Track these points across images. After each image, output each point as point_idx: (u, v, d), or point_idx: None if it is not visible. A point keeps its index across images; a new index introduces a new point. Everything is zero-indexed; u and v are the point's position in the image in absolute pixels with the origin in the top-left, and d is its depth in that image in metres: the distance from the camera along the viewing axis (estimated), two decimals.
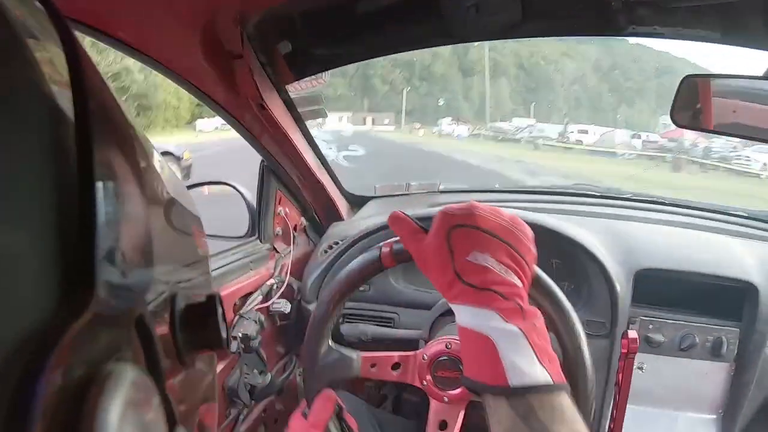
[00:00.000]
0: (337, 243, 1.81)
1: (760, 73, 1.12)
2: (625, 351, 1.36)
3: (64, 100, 0.26)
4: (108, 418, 0.22)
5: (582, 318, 1.13)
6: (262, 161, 1.66)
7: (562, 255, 1.63)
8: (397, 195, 2.23)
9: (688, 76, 1.17)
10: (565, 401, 0.60)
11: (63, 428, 0.21)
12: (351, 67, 2.01)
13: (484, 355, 0.62)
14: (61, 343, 0.21)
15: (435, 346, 1.07)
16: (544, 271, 0.86)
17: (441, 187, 2.21)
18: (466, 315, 0.65)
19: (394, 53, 1.50)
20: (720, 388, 1.62)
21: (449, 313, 1.37)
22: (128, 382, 0.25)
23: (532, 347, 0.61)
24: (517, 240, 0.69)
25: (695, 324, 1.60)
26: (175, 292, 0.43)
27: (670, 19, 1.25)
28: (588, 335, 0.89)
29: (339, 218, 2.00)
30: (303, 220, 1.95)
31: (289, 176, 1.72)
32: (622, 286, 1.56)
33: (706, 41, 1.29)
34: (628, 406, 1.45)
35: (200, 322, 0.45)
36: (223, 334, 0.46)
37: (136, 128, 0.40)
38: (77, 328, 0.23)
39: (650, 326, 1.60)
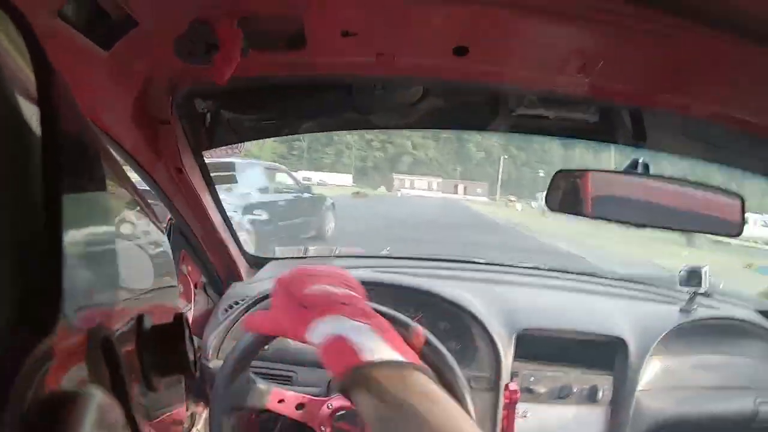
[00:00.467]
0: (237, 303, 1.83)
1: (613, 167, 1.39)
2: (507, 401, 1.61)
3: (32, 115, 0.26)
4: None
5: (468, 374, 1.40)
6: (170, 219, 1.70)
7: (450, 318, 1.81)
8: (295, 258, 2.36)
9: (560, 171, 1.43)
10: (422, 379, 0.61)
11: None
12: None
13: (339, 352, 0.63)
14: (25, 363, 0.21)
15: (342, 400, 1.22)
16: (434, 332, 1.09)
17: (336, 252, 2.40)
18: (316, 332, 0.67)
19: (315, 132, 1.62)
20: (600, 429, 1.82)
21: None
22: (95, 406, 0.25)
23: (381, 337, 0.64)
24: (343, 276, 0.78)
25: (572, 374, 1.81)
26: (142, 314, 0.43)
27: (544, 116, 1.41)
28: (473, 389, 1.12)
29: (239, 278, 2.01)
30: (203, 278, 1.94)
31: (194, 236, 1.74)
32: (504, 345, 1.75)
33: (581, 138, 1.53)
34: None
35: (167, 345, 0.44)
36: (191, 357, 0.46)
37: (106, 150, 0.42)
38: (42, 350, 0.22)
39: (531, 378, 1.78)
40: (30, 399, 0.22)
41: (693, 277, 2.04)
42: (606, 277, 2.40)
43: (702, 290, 2.03)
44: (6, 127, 0.24)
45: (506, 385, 1.66)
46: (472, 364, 1.76)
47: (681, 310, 2.00)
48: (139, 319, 0.42)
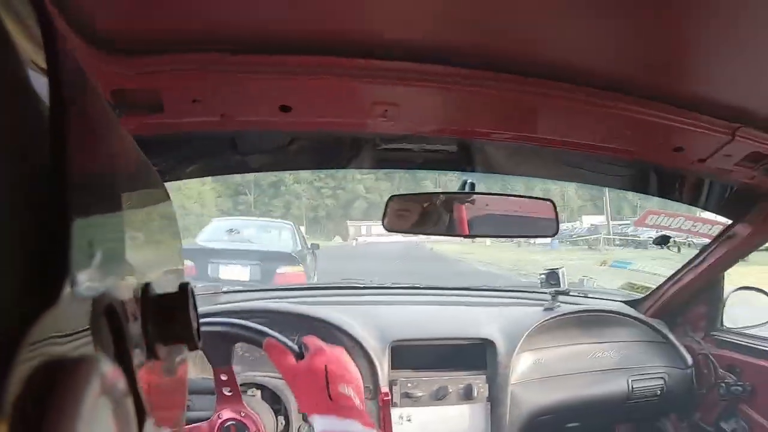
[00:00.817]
0: None
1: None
2: (381, 404, 1.77)
3: (41, 86, 0.26)
4: (77, 408, 0.22)
5: None
6: None
7: (331, 338, 1.90)
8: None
9: (393, 196, 1.64)
10: None
11: (31, 417, 0.21)
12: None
13: None
14: (30, 331, 0.21)
15: (227, 413, 1.36)
16: None
17: (223, 289, 2.49)
18: (329, 423, 0.94)
19: (201, 176, 1.68)
20: (482, 424, 2.01)
21: None
22: (97, 373, 0.25)
23: None
24: (358, 379, 1.07)
25: (448, 376, 1.99)
26: (147, 282, 0.42)
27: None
28: None
29: None
30: None
31: None
32: (379, 357, 1.92)
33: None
34: None
35: (171, 314, 0.44)
36: (194, 327, 0.46)
37: (114, 120, 0.41)
38: (48, 317, 0.23)
39: (408, 384, 1.95)
40: (34, 367, 0.22)
41: (552, 278, 2.28)
42: (478, 289, 2.68)
43: (562, 289, 2.29)
44: (15, 96, 0.24)
45: (379, 389, 1.85)
46: None
47: (545, 309, 2.25)
48: (145, 287, 0.42)
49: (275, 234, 9.55)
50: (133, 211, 0.43)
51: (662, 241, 2.30)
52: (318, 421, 0.96)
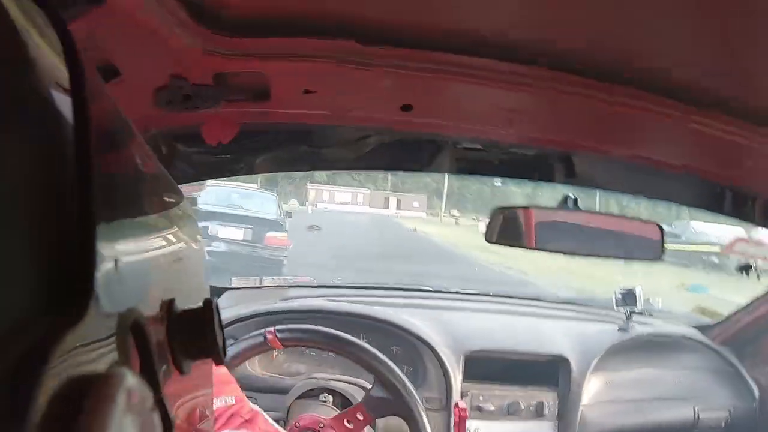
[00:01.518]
0: None
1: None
2: (457, 419, 1.71)
3: (64, 104, 0.27)
4: (104, 423, 0.22)
5: (421, 395, 1.50)
6: None
7: (402, 342, 1.92)
8: (251, 288, 2.41)
9: (498, 207, 1.58)
10: None
11: (57, 431, 0.21)
12: None
13: None
14: (56, 348, 0.21)
15: (305, 421, 1.35)
16: (387, 356, 1.19)
17: (290, 282, 2.49)
18: None
19: (270, 171, 1.72)
20: None
21: (304, 396, 1.67)
22: (124, 389, 0.25)
23: None
24: None
25: (520, 392, 1.94)
26: (172, 298, 0.43)
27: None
28: (427, 409, 1.23)
29: None
30: None
31: None
32: (453, 367, 1.86)
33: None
34: None
35: (197, 330, 0.44)
36: (220, 342, 0.46)
37: (137, 136, 0.42)
38: (73, 334, 0.23)
39: (480, 397, 1.91)
40: (61, 382, 0.22)
41: (628, 297, 2.21)
42: (549, 300, 2.60)
43: (637, 309, 2.21)
44: (39, 116, 0.24)
45: (455, 404, 1.78)
46: (423, 385, 1.86)
47: (619, 329, 2.17)
48: (170, 303, 0.42)
49: (260, 202, 10.62)
50: (158, 225, 0.44)
51: (745, 268, 2.24)
52: None
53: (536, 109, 1.17)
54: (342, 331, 1.31)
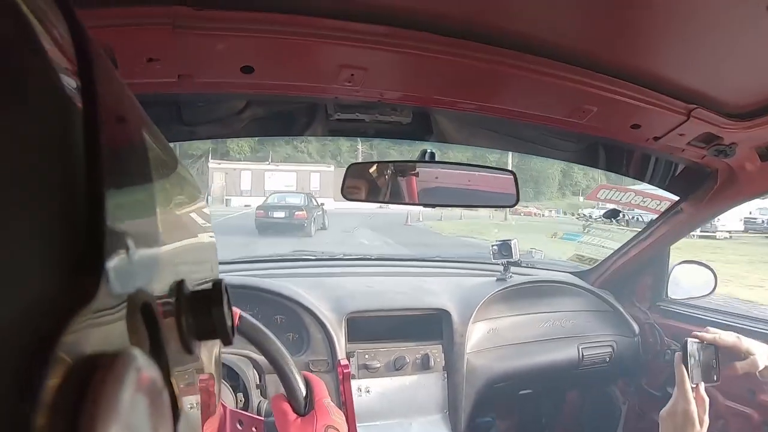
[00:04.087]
0: None
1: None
2: (341, 377, 1.78)
3: (73, 88, 0.27)
4: (113, 402, 0.22)
5: (308, 359, 1.53)
6: None
7: (286, 311, 1.98)
8: None
9: (353, 163, 1.63)
10: None
11: (68, 410, 0.21)
12: None
13: None
14: (68, 327, 0.22)
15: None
16: (270, 326, 1.18)
17: None
18: None
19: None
20: (439, 393, 2.06)
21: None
22: (134, 368, 0.25)
23: None
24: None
25: (405, 347, 2.04)
26: (182, 279, 0.43)
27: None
28: (314, 372, 1.25)
29: None
30: None
31: None
32: (336, 329, 1.95)
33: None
34: (368, 423, 1.92)
35: (206, 310, 0.45)
36: (228, 323, 0.47)
37: (145, 118, 0.42)
38: (85, 314, 0.23)
39: (366, 356, 1.99)
40: (71, 362, 0.22)
41: (504, 249, 2.34)
42: (433, 260, 2.73)
43: (514, 260, 2.36)
44: (48, 101, 0.24)
45: (338, 362, 1.87)
46: (309, 350, 1.94)
47: (497, 280, 2.33)
48: (179, 284, 0.42)
49: (295, 198, 19.60)
50: (167, 206, 0.44)
51: (612, 215, 2.37)
52: None
53: (383, 67, 1.21)
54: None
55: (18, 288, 0.21)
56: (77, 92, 0.27)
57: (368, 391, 1.98)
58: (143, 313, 0.31)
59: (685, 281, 2.32)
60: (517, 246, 2.34)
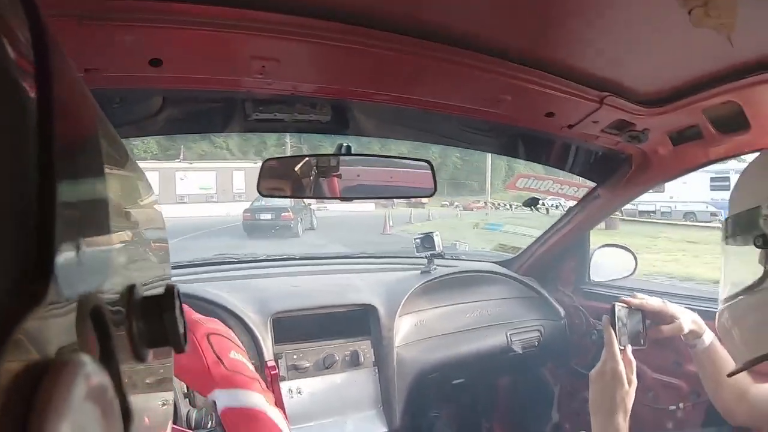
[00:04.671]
0: None
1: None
2: (269, 378, 1.74)
3: (27, 78, 0.26)
4: (62, 409, 0.22)
5: None
6: None
7: (209, 315, 1.90)
8: None
9: (268, 159, 1.57)
10: None
11: (15, 417, 0.21)
12: None
13: (254, 421, 0.91)
14: (15, 332, 0.21)
15: None
16: None
17: None
18: (233, 398, 0.92)
19: None
20: (372, 389, 2.04)
21: None
22: (83, 374, 0.24)
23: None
24: (240, 343, 1.03)
25: (334, 345, 2.01)
26: (133, 283, 0.42)
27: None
28: None
29: None
30: None
31: None
32: (261, 331, 1.89)
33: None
34: (302, 425, 1.86)
35: (157, 316, 0.44)
36: (181, 330, 0.46)
37: (99, 112, 0.41)
38: (32, 318, 0.22)
39: (295, 356, 1.93)
40: (19, 368, 0.22)
41: (426, 242, 2.34)
42: (358, 256, 2.73)
43: (437, 252, 2.37)
44: (2, 95, 0.24)
45: (265, 363, 1.81)
46: None
47: (422, 273, 2.33)
48: (130, 288, 0.41)
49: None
50: (119, 209, 0.43)
51: (532, 203, 2.41)
52: (220, 396, 0.93)
53: (296, 58, 1.19)
54: None
55: None
56: (31, 83, 0.26)
57: (300, 392, 1.93)
58: (93, 318, 0.31)
59: (606, 264, 2.39)
60: (439, 238, 2.35)
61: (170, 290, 0.45)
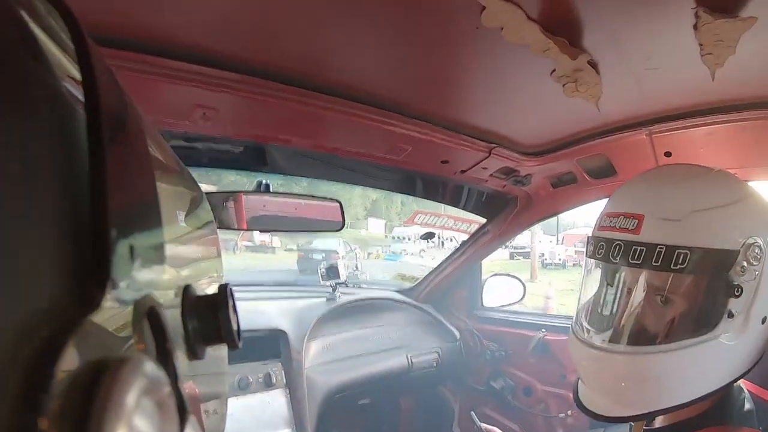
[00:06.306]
0: None
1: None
2: None
3: (75, 94, 0.27)
4: (120, 408, 0.22)
5: None
6: None
7: None
8: None
9: (210, 192, 1.63)
10: None
11: (75, 416, 0.21)
12: None
13: None
14: (74, 333, 0.22)
15: None
16: None
17: None
18: None
19: None
20: (285, 409, 2.12)
21: None
22: (140, 372, 0.25)
23: None
24: None
25: (247, 367, 2.09)
26: (188, 284, 0.43)
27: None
28: None
29: None
30: None
31: None
32: None
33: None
34: None
35: (211, 315, 0.44)
36: (234, 327, 0.46)
37: (146, 122, 0.41)
38: (91, 320, 0.23)
39: None
40: (78, 367, 0.22)
41: (331, 272, 2.49)
42: (265, 284, 2.86)
43: (341, 281, 2.52)
44: (52, 109, 0.25)
45: None
46: None
47: (327, 300, 2.47)
48: (185, 289, 0.42)
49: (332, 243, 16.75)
50: (171, 210, 0.44)
51: (428, 236, 2.61)
52: None
53: (232, 108, 1.29)
54: None
55: (26, 295, 0.21)
56: (80, 98, 0.28)
57: (216, 412, 1.93)
58: (149, 319, 0.32)
59: (497, 291, 2.66)
60: (343, 268, 2.49)
61: (224, 289, 0.47)
